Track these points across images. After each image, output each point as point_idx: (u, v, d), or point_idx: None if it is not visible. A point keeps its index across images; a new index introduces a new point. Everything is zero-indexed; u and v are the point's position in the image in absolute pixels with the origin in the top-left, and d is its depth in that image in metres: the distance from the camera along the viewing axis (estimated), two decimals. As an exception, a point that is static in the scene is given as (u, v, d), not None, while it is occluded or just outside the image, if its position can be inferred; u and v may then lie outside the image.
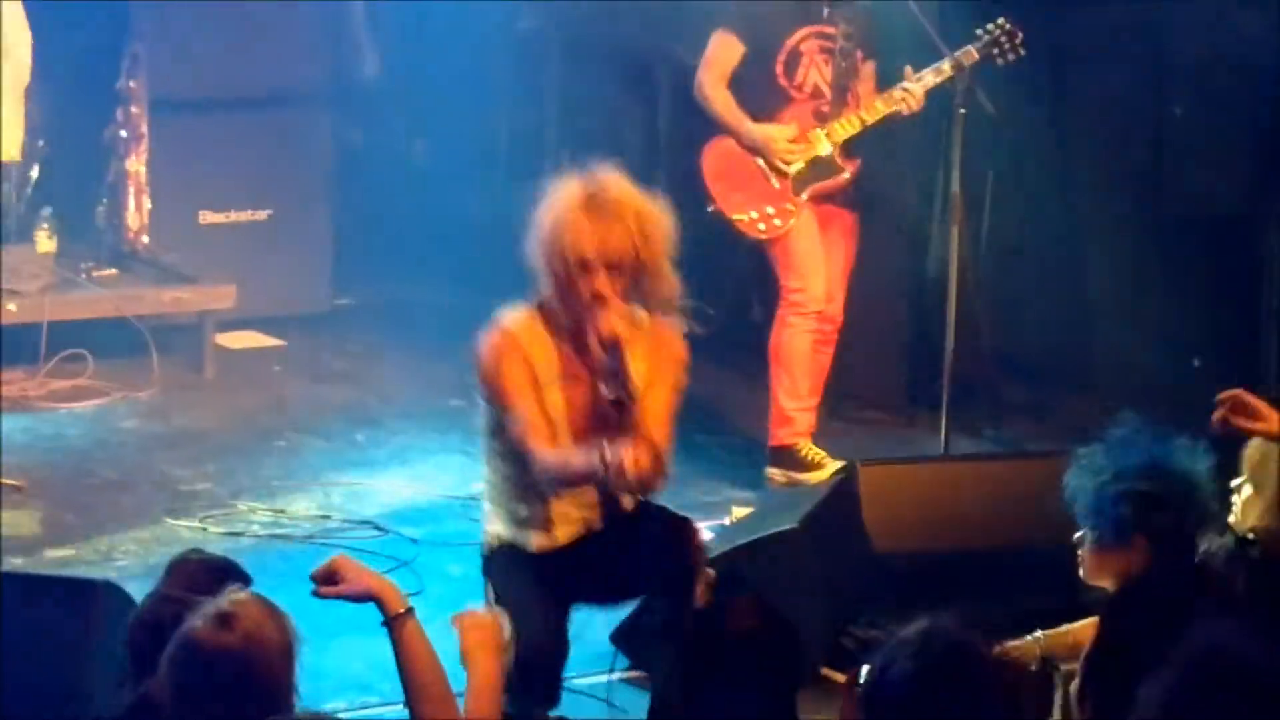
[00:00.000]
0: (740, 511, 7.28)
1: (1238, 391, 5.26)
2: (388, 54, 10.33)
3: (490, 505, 5.62)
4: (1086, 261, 9.18)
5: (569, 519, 5.49)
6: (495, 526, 5.58)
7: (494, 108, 10.29)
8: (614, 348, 5.28)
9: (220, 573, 4.47)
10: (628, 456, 5.12)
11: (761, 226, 7.81)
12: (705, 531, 5.85)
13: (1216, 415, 5.24)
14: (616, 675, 6.18)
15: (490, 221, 10.10)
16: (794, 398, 7.79)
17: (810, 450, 7.82)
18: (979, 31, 7.71)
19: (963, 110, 7.54)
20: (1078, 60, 8.93)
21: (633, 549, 5.33)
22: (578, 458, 5.28)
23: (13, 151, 8.67)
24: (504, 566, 5.52)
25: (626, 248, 5.29)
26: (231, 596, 4.13)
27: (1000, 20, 7.73)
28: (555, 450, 5.33)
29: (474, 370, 5.48)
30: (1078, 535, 5.09)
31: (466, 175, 10.26)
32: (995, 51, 7.73)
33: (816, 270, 7.82)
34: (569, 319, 5.39)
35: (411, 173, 10.34)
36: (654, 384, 5.39)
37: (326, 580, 4.26)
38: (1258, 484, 5.29)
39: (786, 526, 6.29)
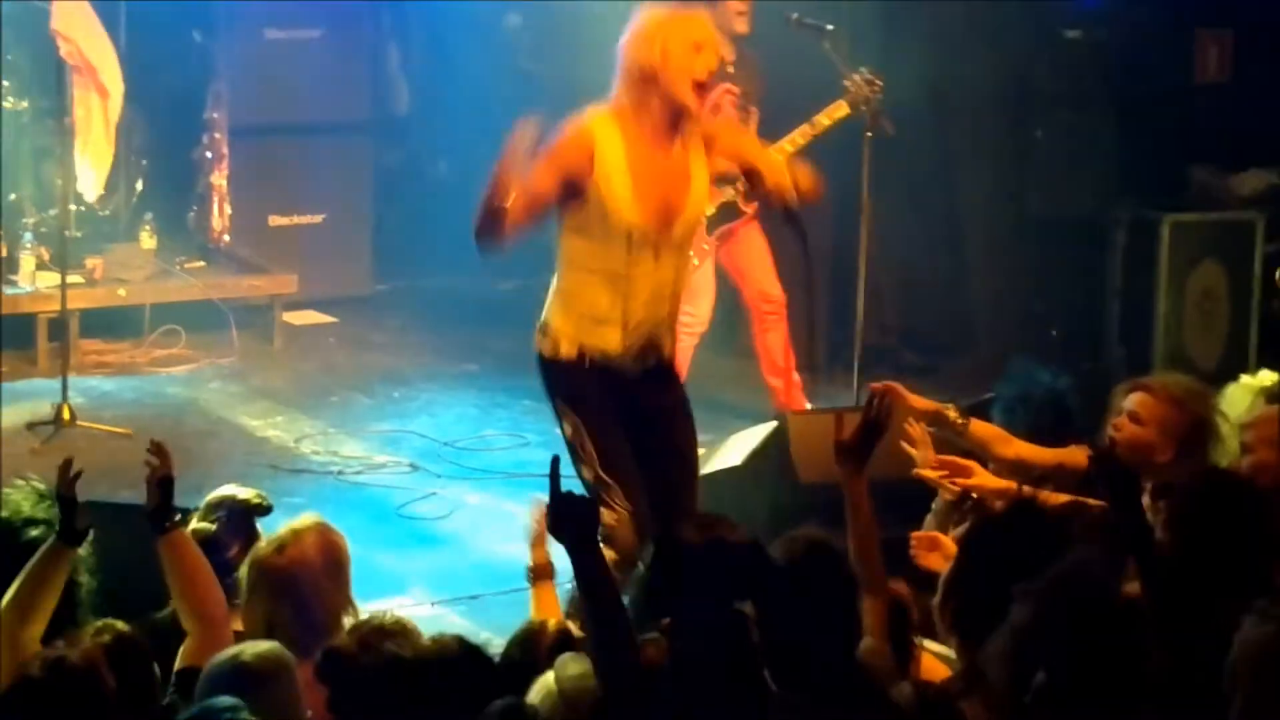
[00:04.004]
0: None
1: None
2: (417, 91, 10.28)
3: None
4: (969, 253, 9.15)
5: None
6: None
7: (501, 133, 10.21)
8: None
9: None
10: None
11: None
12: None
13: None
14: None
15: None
16: None
17: None
18: (845, 84, 7.13)
19: (869, 134, 7.05)
20: (959, 97, 8.90)
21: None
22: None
23: (99, 189, 8.48)
24: None
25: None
26: (292, 525, 4.14)
27: (861, 70, 7.14)
28: None
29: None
30: None
31: (478, 188, 10.17)
32: (861, 99, 7.09)
33: (706, 295, 7.48)
34: (650, 117, 5.12)
35: (436, 185, 10.29)
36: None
37: None
38: None
39: (733, 463, 6.30)
